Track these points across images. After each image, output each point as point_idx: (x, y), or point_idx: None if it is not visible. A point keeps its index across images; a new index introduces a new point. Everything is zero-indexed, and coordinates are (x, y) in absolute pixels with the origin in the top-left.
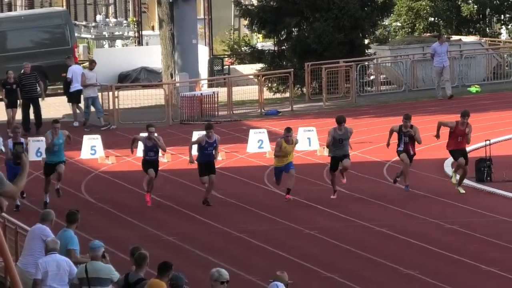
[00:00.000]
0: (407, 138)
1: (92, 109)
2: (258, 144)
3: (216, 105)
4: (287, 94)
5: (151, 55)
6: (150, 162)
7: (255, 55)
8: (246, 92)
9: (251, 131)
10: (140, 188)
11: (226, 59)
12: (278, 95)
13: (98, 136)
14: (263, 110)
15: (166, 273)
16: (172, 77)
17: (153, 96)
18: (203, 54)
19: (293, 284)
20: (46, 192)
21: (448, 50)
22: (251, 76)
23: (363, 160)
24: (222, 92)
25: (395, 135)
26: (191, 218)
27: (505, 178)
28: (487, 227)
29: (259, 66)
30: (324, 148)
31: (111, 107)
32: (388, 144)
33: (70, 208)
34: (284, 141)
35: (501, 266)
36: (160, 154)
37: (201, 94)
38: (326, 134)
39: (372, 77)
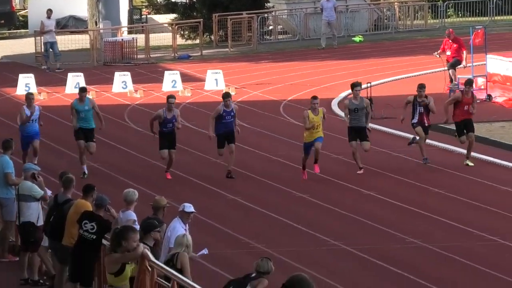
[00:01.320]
0: (422, 108)
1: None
2: (172, 83)
3: (135, 50)
4: (197, 41)
5: (79, 5)
6: (166, 133)
7: (170, 6)
8: (162, 39)
9: (166, 73)
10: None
11: (144, 9)
12: (189, 42)
13: (31, 75)
14: (176, 55)
15: (90, 194)
16: (96, 25)
17: (80, 41)
18: (124, 4)
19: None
20: (82, 163)
21: (335, 5)
22: (166, 25)
23: (263, 99)
24: (140, 38)
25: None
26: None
27: (383, 115)
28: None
29: (173, 16)
30: (229, 87)
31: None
32: (402, 119)
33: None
34: (311, 112)
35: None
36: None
37: (122, 39)
38: (232, 76)
39: (270, 27)
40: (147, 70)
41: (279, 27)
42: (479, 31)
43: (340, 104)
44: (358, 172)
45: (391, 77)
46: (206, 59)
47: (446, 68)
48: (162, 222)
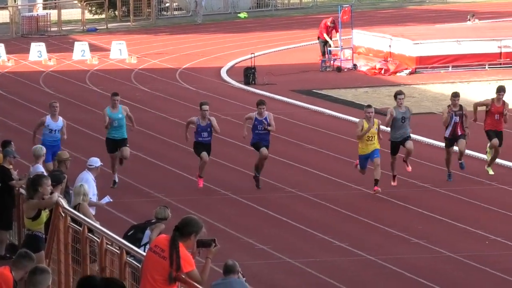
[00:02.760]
0: (458, 118)
1: None
2: (81, 53)
3: (49, 23)
4: (103, 16)
5: None
6: (203, 144)
7: None
8: (72, 14)
9: (76, 43)
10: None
11: None
12: (96, 16)
13: None
14: (84, 28)
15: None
16: (15, 1)
17: (0, 16)
18: None
19: None
20: (113, 172)
21: None
22: (76, 1)
23: (161, 67)
24: (53, 14)
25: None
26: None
27: (265, 81)
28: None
29: None
30: (131, 56)
31: None
32: (475, 120)
33: None
34: (365, 121)
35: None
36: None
37: (38, 14)
38: (134, 46)
39: (167, 4)
40: (60, 41)
41: (174, 4)
42: (346, 9)
43: (229, 71)
44: (393, 183)
45: (272, 49)
46: (111, 31)
47: (317, 41)
48: (64, 174)
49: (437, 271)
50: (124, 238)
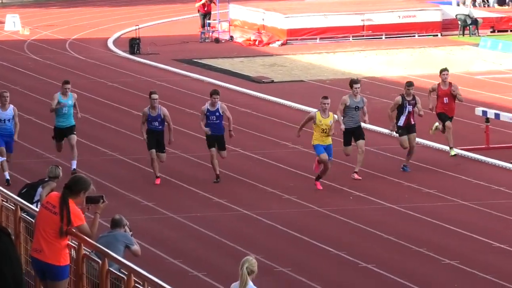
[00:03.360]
0: (411, 107)
1: None
2: None
3: None
4: None
5: None
6: (154, 131)
7: None
8: None
9: None
10: None
11: None
12: None
13: None
14: None
15: None
16: None
17: None
18: None
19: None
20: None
21: None
22: None
23: (52, 38)
24: None
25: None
26: None
27: (148, 51)
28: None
29: None
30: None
31: None
32: (392, 127)
33: None
34: (319, 113)
35: None
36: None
37: None
38: (27, 19)
39: None
40: None
41: None
42: None
43: (116, 42)
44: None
45: (155, 21)
46: (6, 6)
47: (198, 14)
48: None
49: (306, 224)
50: (18, 195)
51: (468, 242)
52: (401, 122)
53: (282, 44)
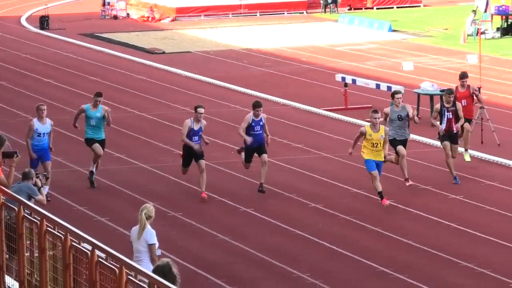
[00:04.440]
0: (450, 114)
1: None
2: None
3: None
4: None
5: None
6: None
7: None
8: None
9: None
10: None
11: None
12: None
13: None
14: None
15: None
16: None
17: None
18: None
19: None
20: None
21: None
22: None
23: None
24: None
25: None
26: None
27: (56, 27)
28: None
29: None
30: None
31: None
32: (440, 132)
33: None
34: (368, 127)
35: None
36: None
37: None
38: None
39: None
40: None
41: None
42: None
43: (28, 19)
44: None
45: (63, 0)
46: None
47: None
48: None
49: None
50: None
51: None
52: (443, 126)
53: (172, 20)
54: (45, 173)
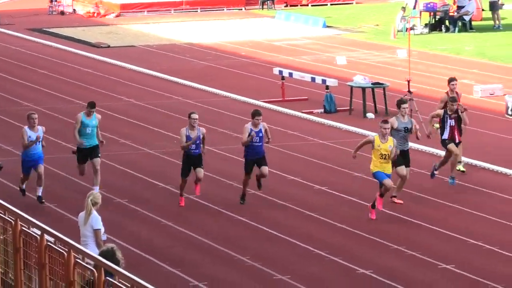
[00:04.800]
0: (453, 121)
1: None
2: None
3: None
4: None
5: None
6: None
7: None
8: None
9: None
10: None
11: None
12: None
13: None
14: None
15: None
16: None
17: None
18: None
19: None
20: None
21: None
22: None
23: None
24: None
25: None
26: None
27: (5, 22)
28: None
29: None
30: None
31: None
32: (429, 135)
33: None
34: (377, 137)
35: None
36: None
37: None
38: None
39: None
40: None
41: None
42: None
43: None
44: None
45: None
46: None
47: None
48: None
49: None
50: None
51: None
52: (445, 135)
53: (117, 16)
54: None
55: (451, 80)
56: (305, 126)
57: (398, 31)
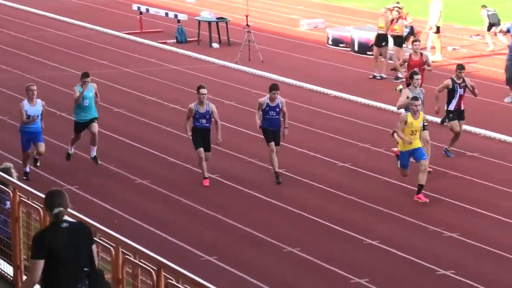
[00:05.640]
0: (462, 90)
1: None
2: None
3: None
4: None
5: None
6: (201, 129)
7: None
8: None
9: None
10: None
11: None
12: None
13: None
14: None
15: None
16: None
17: None
18: None
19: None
20: (71, 145)
21: None
22: None
23: None
24: None
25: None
26: None
27: None
28: None
29: None
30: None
31: None
32: (437, 110)
33: None
34: (410, 114)
35: None
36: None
37: None
38: None
39: None
40: None
41: None
42: None
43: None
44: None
45: None
46: None
47: None
48: None
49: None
50: None
51: None
52: (452, 106)
53: None
54: (36, 157)
55: (414, 41)
56: (160, 54)
57: None
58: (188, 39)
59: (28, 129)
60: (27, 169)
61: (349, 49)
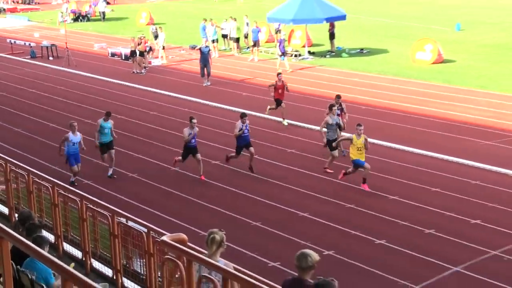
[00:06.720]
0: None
1: None
2: None
3: None
4: None
5: None
6: (191, 148)
7: None
8: None
9: None
10: None
11: None
12: None
13: None
14: None
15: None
16: None
17: None
18: None
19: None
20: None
21: None
22: None
23: None
24: None
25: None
26: None
27: None
28: None
29: None
30: None
31: None
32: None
33: None
34: (355, 136)
35: None
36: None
37: None
38: None
39: None
40: None
41: None
42: None
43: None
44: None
45: None
46: None
47: None
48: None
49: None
50: None
51: None
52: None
53: None
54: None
55: (278, 74)
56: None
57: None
58: (37, 55)
59: (72, 151)
60: (72, 179)
61: (119, 58)
